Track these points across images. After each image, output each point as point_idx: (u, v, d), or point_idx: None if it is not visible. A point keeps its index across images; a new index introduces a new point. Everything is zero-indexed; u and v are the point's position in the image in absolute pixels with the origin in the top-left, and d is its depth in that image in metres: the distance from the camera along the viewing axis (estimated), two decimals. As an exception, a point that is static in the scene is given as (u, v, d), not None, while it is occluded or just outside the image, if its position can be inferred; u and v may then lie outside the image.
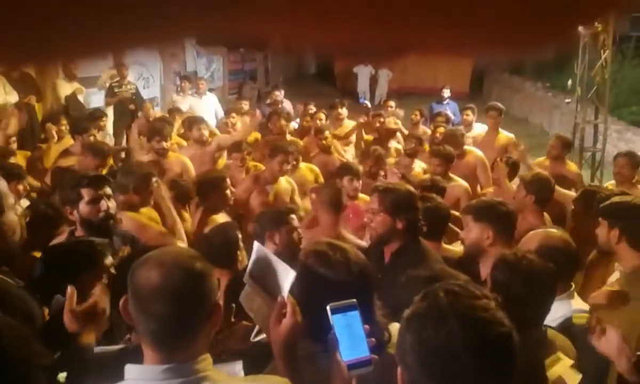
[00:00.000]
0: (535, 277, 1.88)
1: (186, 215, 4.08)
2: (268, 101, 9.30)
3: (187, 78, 9.99)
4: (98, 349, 1.80)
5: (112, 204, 2.84)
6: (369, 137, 6.80)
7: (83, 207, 2.75)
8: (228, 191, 3.95)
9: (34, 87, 7.76)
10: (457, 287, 1.17)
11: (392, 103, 8.18)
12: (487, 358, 1.08)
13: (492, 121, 6.56)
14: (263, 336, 1.88)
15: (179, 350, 1.32)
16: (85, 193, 2.75)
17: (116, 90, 8.47)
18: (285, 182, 4.69)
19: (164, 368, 1.30)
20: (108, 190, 2.85)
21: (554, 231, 2.68)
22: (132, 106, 8.21)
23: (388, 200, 2.69)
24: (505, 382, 1.12)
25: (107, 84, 8.68)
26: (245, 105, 8.23)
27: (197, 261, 1.38)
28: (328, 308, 1.39)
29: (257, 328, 1.91)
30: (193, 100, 8.96)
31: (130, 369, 1.33)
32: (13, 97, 7.33)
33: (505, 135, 6.44)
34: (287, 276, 1.54)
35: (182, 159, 5.11)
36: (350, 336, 1.37)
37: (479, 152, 5.71)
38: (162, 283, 1.30)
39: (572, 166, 5.65)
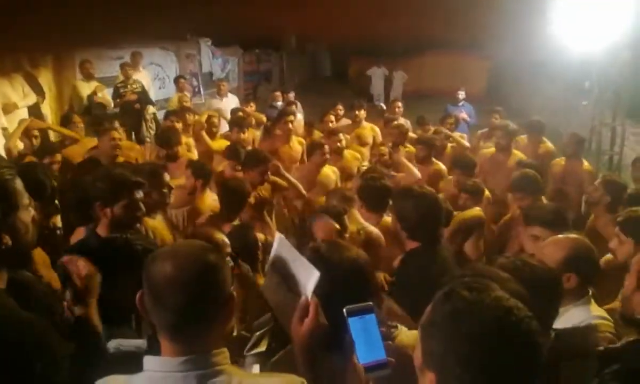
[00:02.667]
0: (536, 283, 1.81)
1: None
2: (272, 103, 9.32)
3: (182, 77, 10.01)
4: (117, 342, 1.84)
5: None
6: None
7: (118, 208, 2.77)
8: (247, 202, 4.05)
9: (38, 88, 7.83)
10: (472, 282, 1.20)
11: (399, 103, 8.25)
12: (527, 341, 1.11)
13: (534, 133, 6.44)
14: (258, 350, 1.87)
15: (194, 341, 1.34)
16: (127, 196, 2.79)
17: (122, 90, 8.48)
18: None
19: (182, 359, 1.32)
20: (141, 194, 2.89)
21: (577, 237, 2.55)
22: (137, 106, 8.25)
23: (396, 205, 2.85)
24: (536, 363, 1.14)
25: (139, 85, 8.69)
26: (252, 107, 8.35)
27: (210, 252, 1.41)
28: (344, 310, 1.39)
29: (252, 342, 1.89)
30: (215, 101, 9.01)
31: (148, 361, 1.36)
32: (31, 99, 7.41)
33: (547, 145, 6.31)
34: (310, 276, 1.52)
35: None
36: (366, 338, 1.37)
37: (523, 156, 5.64)
38: (176, 273, 1.33)
39: (585, 165, 5.59)
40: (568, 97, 12.01)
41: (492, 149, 5.85)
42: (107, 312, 2.01)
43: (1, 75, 7.07)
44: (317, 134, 7.07)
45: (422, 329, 1.22)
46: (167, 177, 3.68)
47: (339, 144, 5.84)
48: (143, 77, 9.09)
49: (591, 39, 6.90)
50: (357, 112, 7.19)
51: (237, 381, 1.35)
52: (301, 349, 1.47)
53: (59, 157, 4.95)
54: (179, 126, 6.31)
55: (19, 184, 1.57)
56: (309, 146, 5.83)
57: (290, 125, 6.24)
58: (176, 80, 9.84)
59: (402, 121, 7.62)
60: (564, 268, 2.16)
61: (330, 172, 5.38)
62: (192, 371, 1.31)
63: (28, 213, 1.61)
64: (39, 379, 1.39)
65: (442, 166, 5.67)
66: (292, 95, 9.62)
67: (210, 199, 4.35)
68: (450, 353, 1.12)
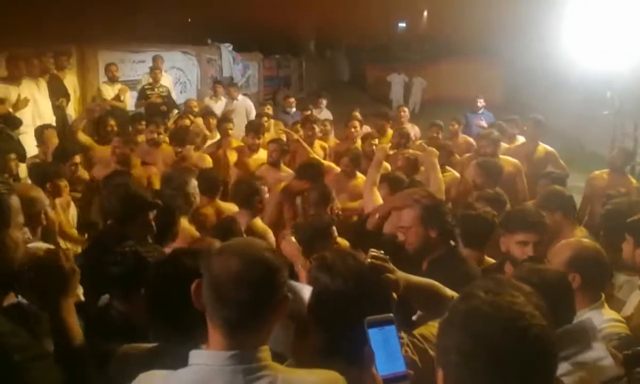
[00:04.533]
0: (545, 285, 1.82)
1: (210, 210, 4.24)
2: (286, 109, 9.38)
3: (220, 82, 10.26)
4: (125, 346, 1.83)
5: None
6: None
7: (130, 227, 2.82)
8: (263, 200, 4.03)
9: (63, 90, 7.96)
10: (492, 286, 1.20)
11: (405, 108, 8.32)
12: (533, 351, 1.10)
13: (529, 132, 6.38)
14: None
15: (247, 337, 1.37)
16: (141, 217, 2.85)
17: (149, 93, 8.70)
18: None
19: (230, 354, 1.35)
20: (154, 213, 2.94)
21: (586, 240, 2.66)
22: (163, 108, 8.41)
23: (419, 213, 2.74)
24: (548, 372, 1.14)
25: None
26: (269, 109, 8.42)
27: (273, 253, 1.45)
28: (365, 321, 1.39)
29: None
30: (227, 103, 9.18)
31: (195, 355, 1.39)
32: (46, 102, 7.47)
33: (544, 147, 6.21)
34: (304, 293, 1.58)
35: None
36: (386, 350, 1.38)
37: (514, 160, 5.58)
38: (243, 272, 1.36)
39: (630, 179, 5.45)
40: (588, 107, 11.92)
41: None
42: (118, 327, 2.04)
43: (29, 77, 7.21)
44: (333, 141, 7.14)
45: (439, 328, 1.24)
46: (193, 184, 3.75)
47: (374, 146, 5.78)
48: (164, 80, 9.24)
49: (613, 52, 6.84)
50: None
51: (282, 377, 1.37)
52: (306, 364, 1.49)
53: (77, 159, 5.01)
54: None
55: (14, 200, 1.56)
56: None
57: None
58: (214, 84, 10.36)
59: (409, 126, 7.64)
60: (568, 268, 2.20)
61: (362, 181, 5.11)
62: (239, 365, 1.34)
63: (20, 232, 1.59)
64: None
65: (456, 174, 5.53)
66: (323, 102, 9.49)
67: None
68: (454, 349, 1.13)
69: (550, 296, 1.69)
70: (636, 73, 7.79)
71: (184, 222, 3.57)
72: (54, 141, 5.81)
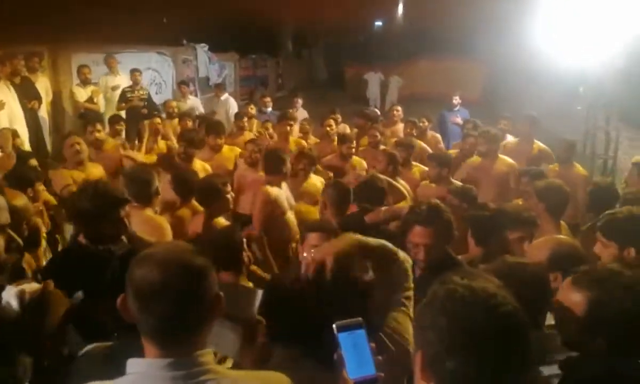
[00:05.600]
0: (524, 279, 1.86)
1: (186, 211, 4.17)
2: (262, 108, 9.35)
3: (184, 83, 10.18)
4: (89, 347, 1.79)
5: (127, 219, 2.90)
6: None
7: (102, 226, 2.74)
8: (229, 196, 3.97)
9: (35, 93, 7.83)
10: (469, 274, 1.27)
11: (398, 107, 8.27)
12: (505, 327, 1.16)
13: (524, 130, 6.43)
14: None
15: (181, 344, 1.32)
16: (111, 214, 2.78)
17: (129, 95, 8.60)
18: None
19: (168, 361, 1.30)
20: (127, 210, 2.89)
21: (563, 237, 2.68)
22: (144, 111, 8.33)
23: (439, 231, 2.75)
24: (522, 349, 1.18)
25: (120, 90, 8.79)
26: (252, 109, 8.39)
27: (196, 256, 1.37)
28: (334, 326, 1.39)
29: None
30: (181, 104, 9.12)
31: (132, 364, 1.32)
32: (15, 102, 7.32)
33: (537, 145, 6.27)
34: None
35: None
36: (356, 354, 1.38)
37: (510, 160, 5.59)
38: (163, 282, 1.29)
39: (579, 169, 5.58)
40: (563, 102, 12.10)
41: (478, 159, 5.63)
42: (89, 327, 1.97)
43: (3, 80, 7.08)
44: (313, 140, 7.13)
45: (418, 311, 1.30)
46: (156, 183, 3.68)
47: (353, 149, 5.85)
48: (121, 80, 9.01)
49: (585, 48, 6.96)
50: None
51: (226, 381, 1.33)
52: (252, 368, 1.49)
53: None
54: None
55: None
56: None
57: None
58: (179, 85, 10.19)
59: (400, 126, 7.66)
60: (549, 268, 2.19)
61: (317, 181, 5.11)
62: (178, 372, 1.29)
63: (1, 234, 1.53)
64: None
65: (423, 167, 5.53)
66: (299, 102, 9.49)
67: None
68: (431, 327, 1.20)
69: (531, 289, 1.73)
70: (607, 69, 7.93)
71: (149, 212, 3.57)
72: (11, 143, 5.68)
